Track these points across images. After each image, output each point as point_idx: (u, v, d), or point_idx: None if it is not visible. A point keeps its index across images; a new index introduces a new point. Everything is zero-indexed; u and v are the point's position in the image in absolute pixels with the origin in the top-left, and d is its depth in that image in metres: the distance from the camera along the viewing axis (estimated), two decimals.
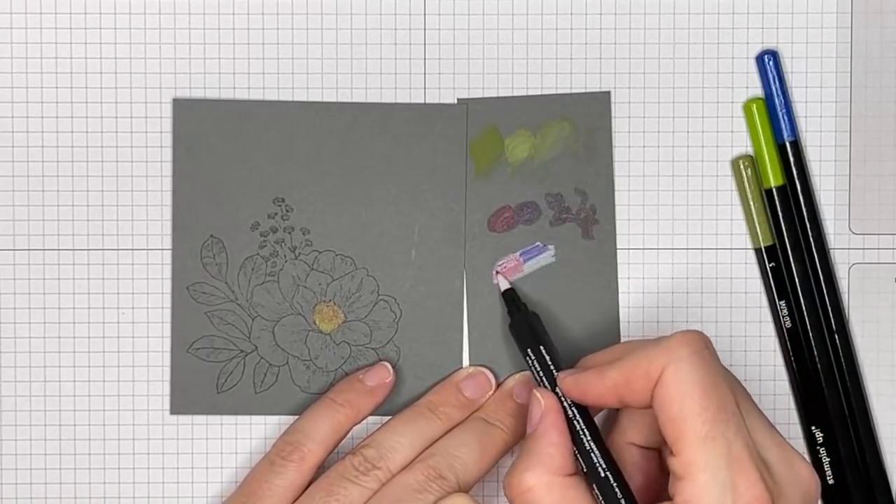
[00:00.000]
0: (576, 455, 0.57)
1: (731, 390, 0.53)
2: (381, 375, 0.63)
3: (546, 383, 0.59)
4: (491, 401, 0.63)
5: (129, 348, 0.64)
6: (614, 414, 0.60)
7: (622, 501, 0.55)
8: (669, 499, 0.53)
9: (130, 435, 0.64)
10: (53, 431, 0.64)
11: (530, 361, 0.60)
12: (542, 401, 0.57)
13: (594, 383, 0.55)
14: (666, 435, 0.53)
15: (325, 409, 0.61)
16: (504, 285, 0.63)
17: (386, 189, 0.63)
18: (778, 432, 0.55)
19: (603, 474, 0.56)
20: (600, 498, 0.55)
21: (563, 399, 0.58)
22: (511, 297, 0.63)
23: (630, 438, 0.59)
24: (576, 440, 0.57)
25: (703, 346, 0.54)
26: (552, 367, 0.59)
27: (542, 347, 0.60)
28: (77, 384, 0.64)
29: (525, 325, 0.61)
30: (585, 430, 0.57)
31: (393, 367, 0.63)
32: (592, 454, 0.56)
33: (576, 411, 0.57)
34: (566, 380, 0.57)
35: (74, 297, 0.63)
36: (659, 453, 0.58)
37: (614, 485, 0.55)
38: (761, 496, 0.51)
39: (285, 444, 0.61)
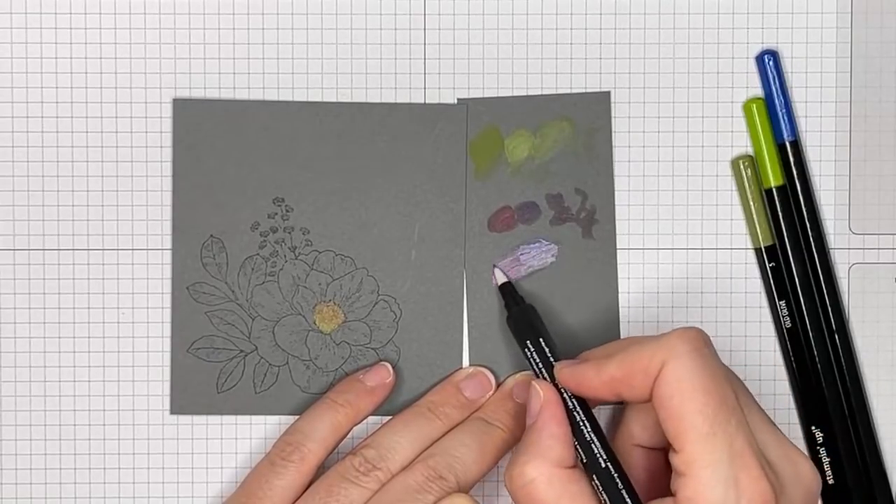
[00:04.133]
0: (576, 447, 0.56)
1: (731, 386, 0.53)
2: (382, 376, 0.63)
3: (545, 375, 0.59)
4: (491, 401, 0.63)
5: (129, 348, 0.64)
6: (619, 415, 0.60)
7: (623, 492, 0.55)
8: (673, 495, 0.53)
9: (130, 435, 0.64)
10: (53, 431, 0.64)
11: (529, 353, 0.60)
12: (542, 392, 0.57)
13: (591, 376, 0.56)
14: (667, 431, 0.53)
15: (326, 410, 0.61)
16: (501, 279, 0.63)
17: (386, 189, 0.63)
18: (778, 429, 0.55)
19: (603, 465, 0.56)
20: (601, 489, 0.55)
21: (562, 391, 0.58)
22: (508, 291, 0.63)
23: (636, 439, 0.59)
24: (575, 432, 0.57)
25: (702, 342, 0.54)
26: (551, 359, 0.59)
27: (541, 339, 0.60)
28: (77, 384, 0.64)
29: (522, 317, 0.61)
30: (585, 421, 0.57)
31: (393, 368, 0.63)
32: (593, 445, 0.56)
33: (575, 403, 0.57)
34: (563, 371, 0.57)
35: (74, 297, 0.63)
36: (664, 453, 0.58)
37: (615, 475, 0.55)
38: (765, 492, 0.51)
39: (285, 445, 0.61)
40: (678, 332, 0.54)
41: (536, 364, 0.59)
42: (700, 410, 0.52)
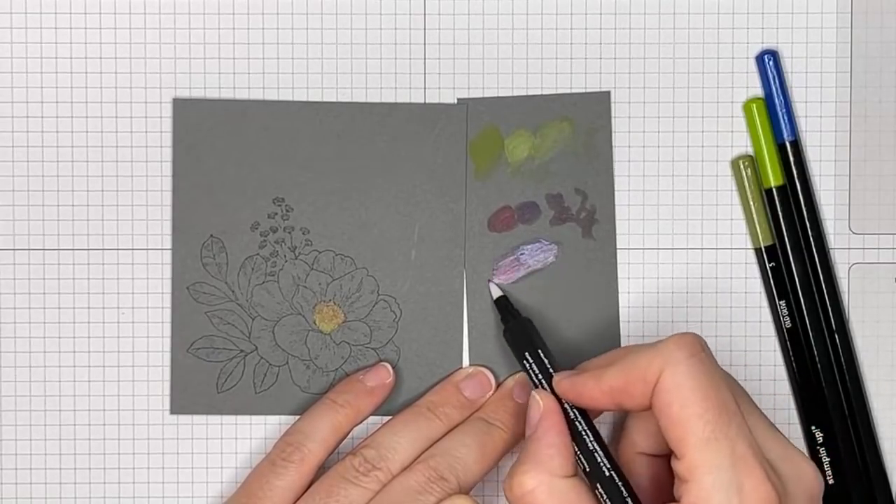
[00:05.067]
0: (577, 456, 0.56)
1: (731, 391, 0.53)
2: (382, 376, 0.63)
3: (545, 386, 0.59)
4: (491, 401, 0.63)
5: (129, 348, 0.64)
6: (620, 424, 0.60)
7: (628, 500, 0.55)
8: (677, 502, 0.53)
9: (130, 435, 0.64)
10: (53, 431, 0.64)
11: (528, 365, 0.60)
12: (541, 402, 0.57)
13: (591, 386, 0.55)
14: (668, 438, 0.53)
15: (326, 410, 0.61)
16: (496, 293, 0.63)
17: (386, 189, 0.63)
18: (779, 431, 0.55)
19: (607, 473, 0.56)
20: (605, 497, 0.55)
21: (563, 401, 0.58)
22: (504, 305, 0.63)
23: (639, 447, 0.58)
24: (578, 441, 0.57)
25: (699, 347, 0.54)
26: (550, 370, 0.59)
27: (539, 351, 0.60)
28: (77, 384, 0.64)
29: (520, 330, 0.61)
30: (587, 431, 0.57)
31: (393, 367, 0.63)
32: (596, 454, 0.56)
33: (576, 413, 0.57)
34: (562, 382, 0.57)
35: (74, 297, 0.63)
36: (668, 460, 0.58)
37: (619, 484, 0.55)
38: (768, 495, 0.51)
39: (286, 445, 0.61)
40: (675, 339, 0.54)
41: (536, 376, 0.59)
42: (700, 416, 0.52)
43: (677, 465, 0.53)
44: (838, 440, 0.63)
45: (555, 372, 0.59)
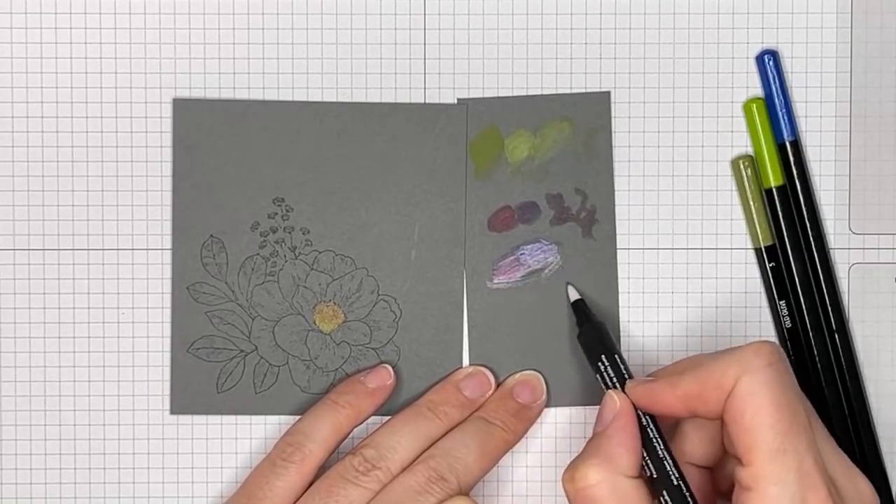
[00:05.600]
0: (645, 462, 0.57)
1: (803, 405, 0.53)
2: (383, 378, 0.63)
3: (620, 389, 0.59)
4: (491, 400, 0.63)
5: (129, 348, 0.64)
6: (670, 432, 0.60)
7: None
8: None
9: (131, 435, 0.64)
10: (53, 431, 0.64)
11: (602, 368, 0.60)
12: (618, 402, 0.57)
13: (666, 392, 0.56)
14: (737, 446, 0.53)
15: (327, 410, 0.61)
16: (574, 296, 0.63)
17: (386, 189, 0.63)
18: (841, 451, 0.56)
19: (676, 483, 0.56)
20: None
21: (636, 407, 0.58)
22: (580, 308, 0.62)
23: (688, 457, 0.58)
24: (648, 446, 0.57)
25: (777, 357, 0.54)
26: (625, 375, 0.59)
27: (616, 356, 0.60)
28: (77, 384, 0.64)
29: (595, 334, 0.61)
30: (658, 438, 0.57)
31: (393, 367, 0.63)
32: (666, 462, 0.56)
33: (649, 419, 0.57)
34: (636, 388, 0.57)
35: (74, 297, 0.63)
36: (711, 472, 0.59)
37: (686, 494, 0.56)
38: None
39: (286, 445, 0.61)
40: (753, 347, 0.54)
41: (610, 379, 0.59)
42: (772, 426, 0.52)
43: (742, 473, 0.53)
44: (838, 440, 0.63)
45: (630, 377, 0.59)
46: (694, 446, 0.58)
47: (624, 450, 0.56)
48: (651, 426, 0.57)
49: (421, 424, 0.61)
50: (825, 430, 0.56)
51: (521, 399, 0.62)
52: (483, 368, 0.64)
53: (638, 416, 0.57)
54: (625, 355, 0.62)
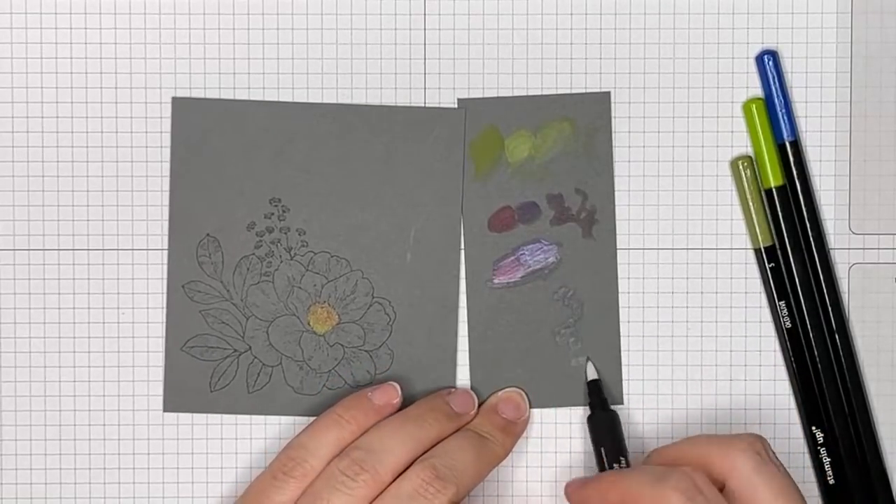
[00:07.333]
0: None
1: None
2: (390, 395, 0.62)
3: None
4: (480, 415, 0.63)
5: (129, 348, 0.64)
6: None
7: None
8: None
9: (127, 434, 0.64)
10: (53, 431, 0.64)
11: (602, 455, 0.62)
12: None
13: (596, 496, 0.58)
14: None
15: (331, 425, 0.60)
16: (591, 374, 0.63)
17: (382, 192, 0.63)
18: None
19: None
20: None
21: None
22: (596, 390, 0.63)
23: None
24: None
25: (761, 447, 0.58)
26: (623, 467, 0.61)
27: (619, 449, 0.62)
28: (77, 384, 0.64)
29: (604, 424, 0.62)
30: None
31: (386, 371, 0.63)
32: None
33: None
34: (571, 485, 0.61)
35: (74, 297, 0.64)
36: None
37: None
38: None
39: (288, 459, 0.59)
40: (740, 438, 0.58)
41: (609, 466, 0.61)
42: None
43: None
44: (838, 440, 0.63)
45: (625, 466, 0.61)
46: None
47: None
48: None
49: (410, 428, 0.60)
50: None
51: (506, 415, 0.63)
52: (466, 388, 0.64)
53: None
54: (624, 356, 0.63)
